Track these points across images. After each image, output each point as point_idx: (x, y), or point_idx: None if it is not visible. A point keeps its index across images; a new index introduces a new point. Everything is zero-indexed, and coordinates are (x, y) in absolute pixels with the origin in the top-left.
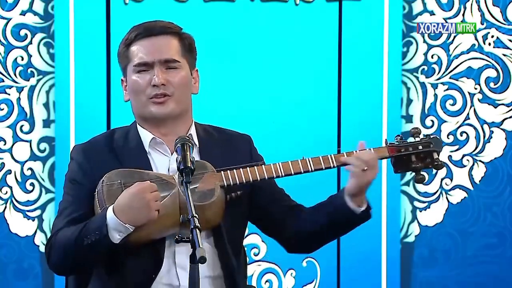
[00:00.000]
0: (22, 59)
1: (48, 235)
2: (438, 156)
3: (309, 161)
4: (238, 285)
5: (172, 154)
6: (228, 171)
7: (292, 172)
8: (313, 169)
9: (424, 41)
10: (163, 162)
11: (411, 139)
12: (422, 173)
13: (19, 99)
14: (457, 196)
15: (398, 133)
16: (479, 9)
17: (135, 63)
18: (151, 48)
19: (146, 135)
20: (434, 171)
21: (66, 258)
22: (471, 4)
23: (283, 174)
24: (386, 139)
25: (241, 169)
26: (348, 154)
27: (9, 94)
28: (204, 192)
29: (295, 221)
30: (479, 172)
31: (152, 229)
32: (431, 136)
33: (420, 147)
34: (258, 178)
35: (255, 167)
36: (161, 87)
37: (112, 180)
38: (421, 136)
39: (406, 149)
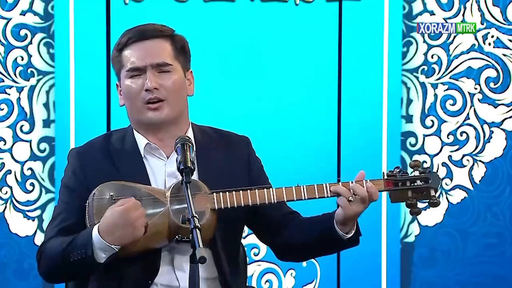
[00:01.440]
0: (22, 59)
1: None
2: (435, 193)
3: (303, 189)
4: (235, 286)
5: (168, 158)
6: (221, 193)
7: (285, 199)
8: (306, 197)
9: (424, 41)
10: (159, 167)
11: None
12: (417, 206)
13: (19, 99)
14: (457, 196)
15: (398, 133)
16: (479, 9)
17: (127, 68)
18: (142, 52)
19: (141, 140)
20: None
21: (54, 270)
22: (471, 4)
23: (275, 201)
24: (384, 172)
25: (234, 192)
26: (344, 184)
27: (9, 94)
28: None
29: (290, 229)
30: (479, 172)
31: (140, 246)
32: (431, 172)
33: (418, 182)
34: (250, 203)
35: (248, 191)
36: (154, 91)
37: (103, 194)
38: (421, 169)
39: (403, 184)
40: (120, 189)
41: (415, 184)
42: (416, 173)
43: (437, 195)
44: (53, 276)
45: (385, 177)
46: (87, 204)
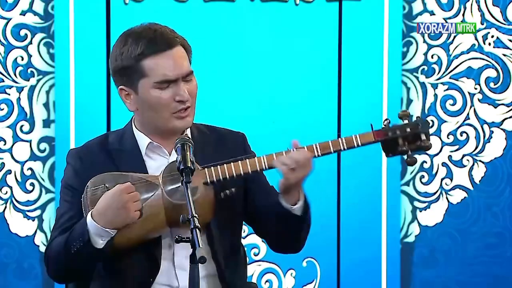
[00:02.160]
0: (22, 59)
1: (48, 235)
2: (427, 138)
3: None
4: (234, 284)
5: (170, 156)
6: (212, 167)
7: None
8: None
9: (424, 41)
10: (161, 164)
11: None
12: (413, 155)
13: (19, 99)
14: (457, 196)
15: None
16: (479, 9)
17: (157, 80)
18: (172, 64)
19: (143, 139)
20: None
21: (60, 267)
22: (471, 4)
23: (266, 167)
24: (371, 124)
25: (225, 164)
26: (277, 154)
27: (9, 94)
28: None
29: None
30: (479, 172)
31: (138, 231)
32: (418, 118)
33: (408, 129)
34: (242, 173)
35: (239, 161)
36: (186, 102)
37: (96, 185)
38: (409, 118)
39: (393, 133)
40: (112, 179)
41: (406, 131)
42: (406, 122)
43: (428, 139)
44: (62, 274)
45: (373, 128)
46: (82, 198)
